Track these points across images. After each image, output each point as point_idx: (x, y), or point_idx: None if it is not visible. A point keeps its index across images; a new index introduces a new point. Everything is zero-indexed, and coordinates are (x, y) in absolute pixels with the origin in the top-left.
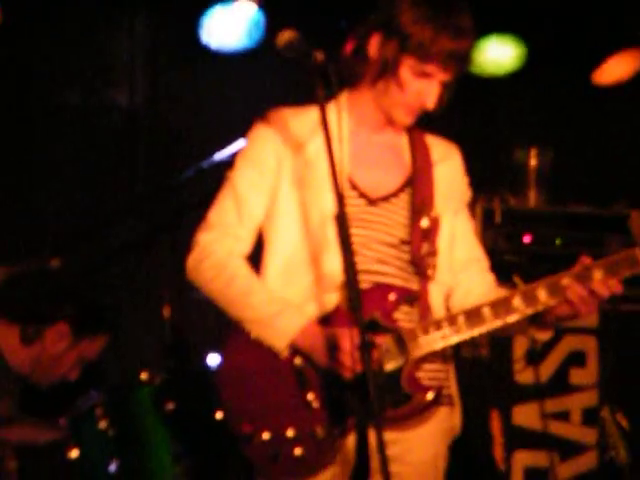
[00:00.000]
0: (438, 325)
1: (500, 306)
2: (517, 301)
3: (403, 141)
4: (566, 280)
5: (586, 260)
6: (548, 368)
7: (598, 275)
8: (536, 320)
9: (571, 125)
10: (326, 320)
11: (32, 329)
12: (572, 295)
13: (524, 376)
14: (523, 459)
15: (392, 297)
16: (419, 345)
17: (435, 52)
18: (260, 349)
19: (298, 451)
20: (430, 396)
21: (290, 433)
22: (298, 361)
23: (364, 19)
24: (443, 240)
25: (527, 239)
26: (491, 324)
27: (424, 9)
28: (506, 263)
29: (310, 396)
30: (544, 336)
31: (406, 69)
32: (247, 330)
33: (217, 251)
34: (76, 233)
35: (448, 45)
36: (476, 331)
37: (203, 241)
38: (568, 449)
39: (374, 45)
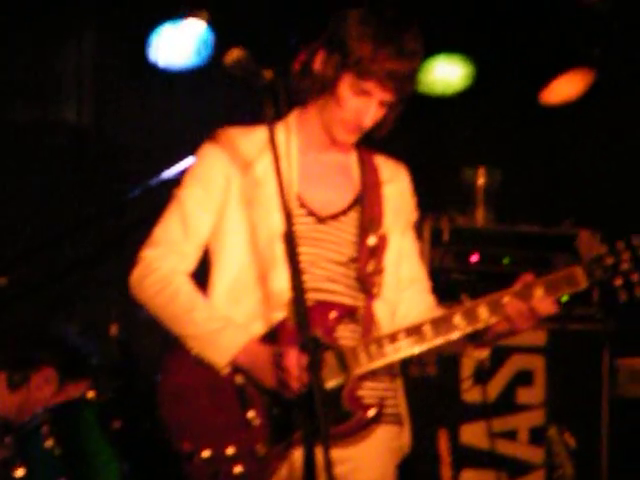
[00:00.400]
0: (379, 343)
1: (441, 324)
2: (458, 319)
3: (352, 161)
4: (507, 298)
5: (527, 277)
6: (495, 387)
7: (539, 293)
8: (474, 338)
9: (520, 144)
10: (272, 337)
11: (19, 375)
12: (512, 311)
13: (472, 395)
14: (471, 478)
15: (332, 315)
16: (360, 363)
17: (374, 70)
18: (201, 366)
19: (238, 469)
20: (371, 413)
21: (230, 451)
22: (239, 379)
23: (315, 36)
24: (390, 258)
25: (475, 258)
26: (432, 342)
27: (370, 27)
28: (454, 282)
29: (251, 414)
30: (482, 354)
31: (345, 86)
32: (189, 347)
33: (161, 267)
34: (23, 252)
35: (387, 64)
36: (417, 349)
37: (148, 257)
38: (516, 468)
39: (319, 61)
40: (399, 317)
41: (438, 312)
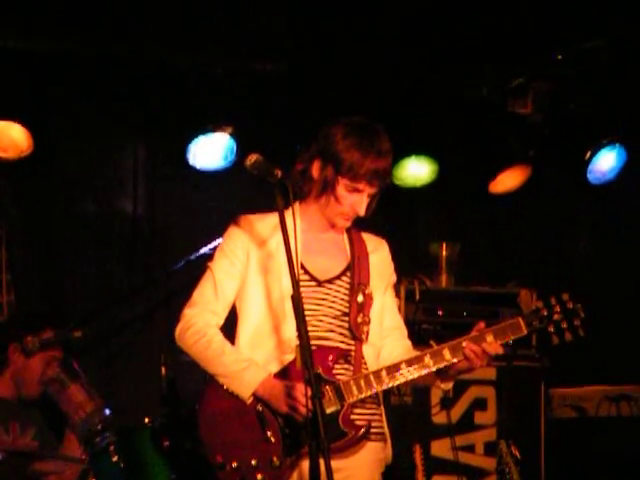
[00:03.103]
0: (367, 378)
1: (414, 363)
2: (427, 359)
3: (344, 237)
4: (465, 342)
5: (480, 326)
6: (458, 411)
7: (489, 338)
8: (441, 373)
9: (473, 224)
10: (284, 374)
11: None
12: (469, 352)
13: (439, 417)
14: None
15: (330, 357)
16: (352, 394)
17: (363, 173)
18: (230, 397)
19: (259, 476)
20: (361, 432)
21: (253, 462)
22: (260, 407)
23: (307, 146)
24: (375, 312)
25: (440, 312)
26: (407, 377)
27: (352, 139)
28: (424, 331)
29: (268, 433)
30: (447, 386)
31: (341, 187)
32: (220, 383)
33: (198, 322)
34: (92, 311)
35: (372, 166)
36: (396, 382)
37: (187, 315)
38: (474, 474)
39: (316, 168)
40: (382, 358)
41: (412, 354)
